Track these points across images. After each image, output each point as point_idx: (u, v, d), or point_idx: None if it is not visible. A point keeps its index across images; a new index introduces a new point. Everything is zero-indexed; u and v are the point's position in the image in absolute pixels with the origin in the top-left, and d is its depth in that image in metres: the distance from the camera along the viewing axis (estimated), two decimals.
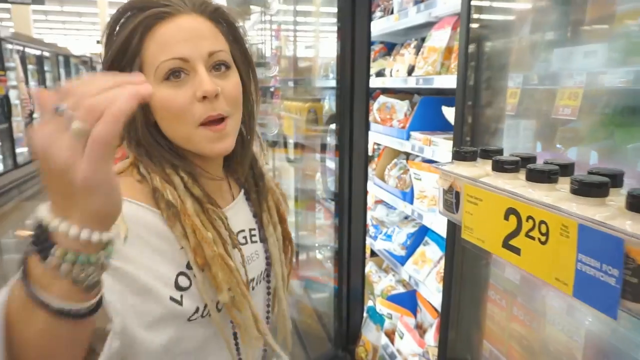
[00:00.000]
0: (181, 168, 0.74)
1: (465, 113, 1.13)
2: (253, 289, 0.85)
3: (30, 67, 8.75)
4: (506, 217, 0.79)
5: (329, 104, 3.26)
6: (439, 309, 2.11)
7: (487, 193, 0.84)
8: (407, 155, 2.79)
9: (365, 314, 2.44)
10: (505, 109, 1.29)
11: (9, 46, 7.54)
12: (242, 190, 0.90)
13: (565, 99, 1.26)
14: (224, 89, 0.72)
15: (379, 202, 2.94)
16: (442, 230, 2.04)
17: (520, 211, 0.75)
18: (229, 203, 0.85)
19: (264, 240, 0.90)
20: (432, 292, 2.15)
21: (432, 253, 2.28)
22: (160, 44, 0.69)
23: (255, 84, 0.83)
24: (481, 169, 0.96)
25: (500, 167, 0.82)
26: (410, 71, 2.26)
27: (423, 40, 2.28)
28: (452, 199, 0.97)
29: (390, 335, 2.36)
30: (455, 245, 1.28)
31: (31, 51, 8.63)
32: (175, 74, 0.69)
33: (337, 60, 2.16)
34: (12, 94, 7.68)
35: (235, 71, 0.77)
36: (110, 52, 0.70)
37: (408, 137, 2.33)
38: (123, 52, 0.70)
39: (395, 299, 2.44)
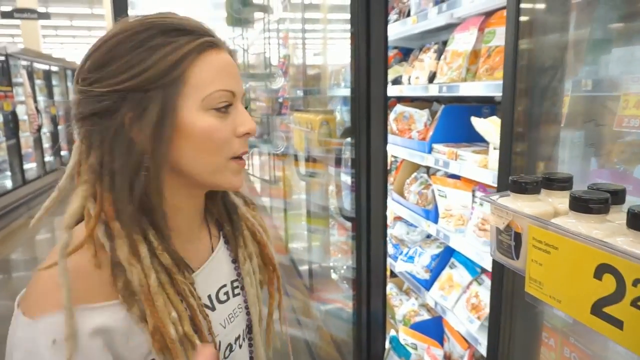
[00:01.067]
0: (151, 232, 0.65)
1: (514, 127, 0.93)
2: (232, 351, 0.79)
3: (38, 82, 8.73)
4: (598, 276, 0.59)
5: (340, 115, 3.07)
6: (468, 338, 1.91)
7: (565, 240, 0.64)
8: (428, 169, 2.59)
9: (388, 345, 2.23)
10: (555, 120, 1.09)
11: (17, 62, 7.51)
12: (221, 236, 0.84)
13: (631, 108, 1.06)
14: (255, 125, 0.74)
15: (398, 219, 2.73)
16: (472, 254, 1.84)
17: (623, 271, 0.55)
18: (207, 256, 0.79)
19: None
20: (461, 321, 1.94)
21: (459, 277, 2.07)
22: (213, 73, 0.67)
23: None
24: (546, 203, 0.76)
25: (582, 206, 0.62)
26: (432, 78, 2.07)
27: (444, 43, 2.08)
28: (510, 242, 0.77)
29: None
30: (503, 291, 1.07)
31: (39, 66, 8.61)
32: (223, 106, 0.68)
33: (351, 67, 1.98)
34: (20, 109, 7.65)
35: None
36: (141, 67, 0.63)
37: (430, 150, 2.13)
38: (167, 70, 0.64)
39: (420, 327, 2.23)
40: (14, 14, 7.41)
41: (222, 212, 0.84)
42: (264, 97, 3.09)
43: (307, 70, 3.15)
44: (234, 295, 0.81)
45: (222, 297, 0.79)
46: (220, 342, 0.75)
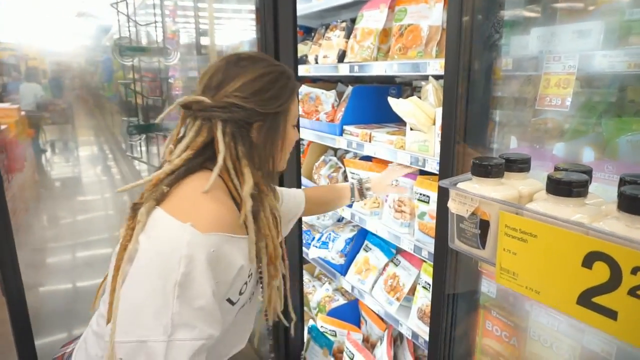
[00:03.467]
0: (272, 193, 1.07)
1: (457, 107, 0.88)
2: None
3: None
4: (587, 264, 0.55)
5: None
6: (387, 319, 1.92)
7: (545, 227, 0.59)
8: (336, 151, 2.55)
9: (307, 335, 2.16)
10: (483, 100, 1.07)
11: None
12: None
13: (552, 87, 1.08)
14: None
15: None
16: (389, 236, 1.83)
17: (619, 259, 0.51)
18: None
19: None
20: (380, 303, 1.94)
21: (375, 259, 2.06)
22: (297, 103, 1.07)
23: None
24: (510, 186, 0.71)
25: (563, 189, 0.58)
26: (342, 57, 1.99)
27: (353, 21, 2.01)
28: (474, 230, 0.71)
29: (336, 354, 2.12)
30: (446, 280, 1.04)
31: None
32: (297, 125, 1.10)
33: (257, 47, 1.81)
34: None
35: None
36: (282, 99, 1.00)
37: (341, 132, 2.07)
38: (288, 103, 1.02)
39: (337, 313, 2.19)
40: None
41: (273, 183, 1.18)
42: (150, 76, 2.76)
43: (201, 49, 2.88)
44: None
45: None
46: None
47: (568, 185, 0.58)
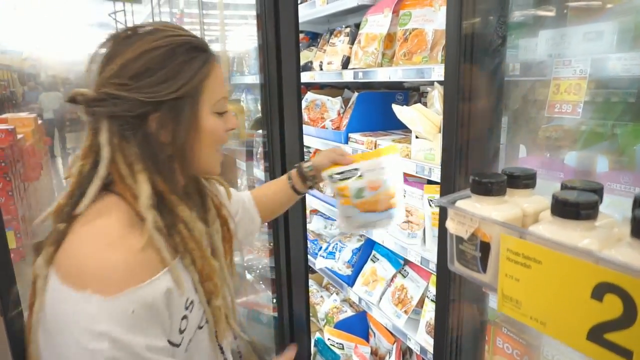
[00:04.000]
0: (186, 201, 0.82)
1: (459, 116, 0.82)
2: None
3: None
4: (597, 296, 0.49)
5: (246, 104, 2.84)
6: (395, 333, 1.86)
7: (551, 253, 0.53)
8: None
9: (313, 348, 2.11)
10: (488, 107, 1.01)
11: None
12: None
13: (563, 93, 1.02)
14: None
15: (315, 212, 2.61)
16: (396, 247, 1.77)
17: (633, 292, 0.46)
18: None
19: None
20: (387, 316, 1.87)
21: (383, 270, 2.00)
22: (218, 82, 0.82)
23: None
24: (513, 205, 0.66)
25: (570, 211, 0.52)
26: (346, 63, 1.95)
27: (357, 27, 1.97)
28: (475, 252, 0.66)
29: None
30: (448, 300, 0.98)
31: None
32: (223, 109, 0.84)
33: (259, 52, 1.78)
34: None
35: None
36: (181, 80, 0.76)
37: (347, 140, 2.02)
38: (197, 83, 0.78)
39: (344, 325, 2.14)
40: None
41: (195, 197, 0.95)
42: None
43: None
44: None
45: None
46: None
47: (575, 207, 0.52)
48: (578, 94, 0.98)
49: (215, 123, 0.81)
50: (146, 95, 0.73)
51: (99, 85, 0.74)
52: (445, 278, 0.97)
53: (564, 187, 0.62)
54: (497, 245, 0.61)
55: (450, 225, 0.68)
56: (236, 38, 2.82)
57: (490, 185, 0.63)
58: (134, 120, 0.73)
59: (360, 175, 1.10)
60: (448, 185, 0.89)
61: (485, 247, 0.64)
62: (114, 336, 0.64)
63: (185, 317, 0.77)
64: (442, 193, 0.94)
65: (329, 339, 2.10)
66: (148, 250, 0.70)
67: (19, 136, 2.44)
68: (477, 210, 0.64)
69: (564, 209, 0.53)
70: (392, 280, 1.95)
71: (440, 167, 1.44)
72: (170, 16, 2.83)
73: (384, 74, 1.67)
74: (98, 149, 0.74)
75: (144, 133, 0.75)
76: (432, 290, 1.70)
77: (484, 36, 0.82)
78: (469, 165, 0.86)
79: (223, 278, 0.89)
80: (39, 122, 2.93)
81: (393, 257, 2.00)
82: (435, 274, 1.58)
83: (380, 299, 1.95)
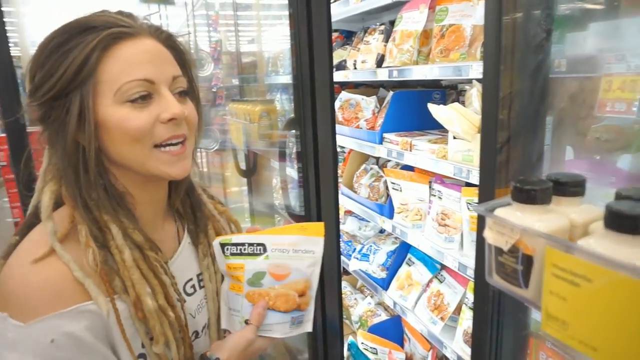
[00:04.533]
0: (121, 213, 0.70)
1: (499, 117, 0.77)
2: (198, 337, 0.83)
3: None
4: None
5: (281, 104, 2.84)
6: (431, 339, 1.79)
7: (604, 271, 0.48)
8: (377, 159, 2.44)
9: (346, 352, 2.08)
10: (531, 107, 0.95)
11: None
12: (186, 232, 0.86)
13: (615, 90, 0.94)
14: (185, 112, 0.71)
15: (349, 213, 2.58)
16: (431, 251, 1.71)
17: None
18: (174, 251, 0.82)
19: None
20: (422, 322, 1.82)
21: (418, 275, 1.94)
22: (122, 64, 0.66)
23: (200, 112, 0.79)
24: (560, 214, 0.60)
25: (627, 225, 0.47)
26: (380, 61, 1.90)
27: (392, 24, 1.92)
28: (516, 266, 0.61)
29: None
30: (485, 313, 0.92)
31: None
32: (139, 97, 0.67)
33: (292, 52, 1.76)
34: None
35: (190, 98, 0.77)
36: (58, 74, 0.65)
37: (381, 140, 1.97)
38: (77, 72, 0.65)
39: (379, 330, 2.09)
40: None
41: (187, 209, 0.87)
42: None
43: (242, 56, 2.88)
44: (200, 288, 0.85)
45: (189, 290, 0.83)
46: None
47: (633, 220, 0.46)
48: (633, 91, 0.90)
49: (124, 115, 0.66)
50: (33, 98, 0.66)
51: None
52: (484, 288, 0.92)
53: (618, 196, 0.56)
54: (541, 259, 0.56)
55: (488, 235, 0.63)
56: (271, 38, 2.82)
57: (534, 193, 0.58)
58: (48, 127, 0.68)
59: (266, 255, 0.77)
60: (487, 191, 0.83)
61: (527, 261, 0.59)
62: None
63: (143, 355, 0.69)
64: (481, 199, 0.89)
65: (362, 343, 2.06)
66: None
67: None
68: (518, 220, 0.59)
69: (619, 221, 0.47)
70: (428, 285, 1.89)
71: (479, 169, 1.38)
72: (207, 18, 2.86)
73: (419, 72, 1.62)
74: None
75: (55, 139, 0.68)
76: (470, 297, 1.63)
77: (526, 31, 0.77)
78: (509, 169, 0.81)
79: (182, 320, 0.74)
80: None
81: (429, 261, 1.93)
82: (474, 281, 1.51)
83: (416, 304, 1.90)
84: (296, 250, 0.77)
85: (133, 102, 0.66)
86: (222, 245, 0.79)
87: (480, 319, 0.93)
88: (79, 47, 0.64)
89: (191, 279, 0.84)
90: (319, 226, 0.79)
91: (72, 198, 0.67)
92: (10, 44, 1.25)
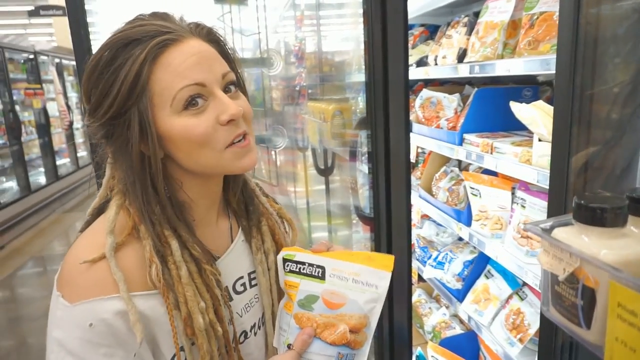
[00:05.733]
0: (181, 226, 0.70)
1: (574, 116, 0.64)
2: (247, 337, 0.82)
3: (69, 78, 8.81)
4: None
5: (363, 103, 2.78)
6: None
7: None
8: (459, 162, 2.29)
9: None
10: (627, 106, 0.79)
11: (45, 58, 7.57)
12: (240, 230, 0.86)
13: None
14: (242, 110, 0.70)
15: (426, 217, 2.45)
16: (511, 265, 1.54)
17: None
18: (226, 248, 0.82)
19: None
20: (498, 341, 1.65)
21: (497, 289, 1.78)
22: (173, 72, 0.65)
23: (248, 101, 0.78)
24: (637, 241, 0.48)
25: None
26: (462, 56, 1.76)
27: (476, 15, 1.77)
28: (575, 299, 0.50)
29: None
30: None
31: (69, 63, 8.67)
32: (193, 102, 0.66)
33: (365, 51, 1.70)
34: (52, 106, 7.73)
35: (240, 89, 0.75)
36: (112, 93, 0.65)
37: (461, 142, 1.83)
38: (131, 89, 0.64)
39: (451, 344, 1.95)
40: (39, 11, 7.44)
41: (240, 204, 0.86)
42: (273, 85, 2.85)
43: (322, 55, 2.88)
44: (251, 286, 0.84)
45: (239, 289, 0.82)
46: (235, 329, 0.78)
47: None
48: None
49: (185, 124, 0.66)
50: (92, 119, 0.67)
51: None
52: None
53: None
54: (606, 295, 0.45)
55: (543, 259, 0.53)
56: (350, 36, 2.79)
57: (601, 213, 0.47)
58: (106, 143, 0.70)
59: (320, 277, 0.72)
60: (557, 204, 0.71)
61: (589, 295, 0.48)
62: (69, 348, 0.62)
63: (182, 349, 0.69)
64: (550, 214, 0.76)
65: (432, 356, 1.94)
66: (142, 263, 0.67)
67: None
68: (580, 245, 0.48)
69: None
70: (507, 301, 1.72)
71: (549, 177, 1.21)
72: (293, 19, 2.90)
73: (502, 67, 1.46)
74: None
75: (119, 155, 0.69)
76: None
77: (613, 16, 0.63)
78: (588, 178, 0.68)
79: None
80: None
81: (510, 275, 1.75)
82: (539, 312, 1.33)
83: (493, 320, 1.73)
84: (356, 281, 0.70)
85: (190, 109, 0.66)
86: (284, 261, 0.75)
87: (545, 350, 0.80)
88: (128, 63, 0.64)
89: (242, 277, 0.83)
90: (388, 259, 0.71)
91: (139, 213, 0.68)
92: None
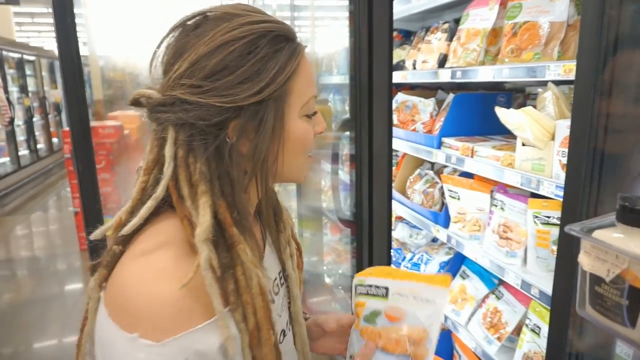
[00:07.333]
0: (247, 234, 0.64)
1: (593, 119, 0.67)
2: (285, 335, 0.81)
3: (10, 71, 8.24)
4: None
5: (334, 105, 2.79)
6: (483, 358, 1.67)
7: None
8: (432, 165, 2.34)
9: None
10: None
11: None
12: (267, 232, 0.84)
13: None
14: None
15: (399, 219, 2.48)
16: (491, 265, 1.59)
17: None
18: (262, 251, 0.79)
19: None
20: (476, 340, 1.70)
21: (474, 289, 1.83)
22: (307, 79, 0.68)
23: None
24: None
25: None
26: (443, 62, 1.80)
27: (456, 22, 1.81)
28: (619, 299, 0.52)
29: None
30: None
31: (10, 55, 8.11)
32: (314, 110, 0.71)
33: (350, 51, 1.70)
34: None
35: None
36: (264, 79, 0.62)
37: (439, 145, 1.87)
38: (281, 82, 0.63)
39: None
40: None
41: (270, 211, 0.83)
42: None
43: None
44: (281, 285, 0.83)
45: (276, 290, 0.80)
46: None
47: None
48: None
49: (304, 128, 0.68)
50: (224, 99, 0.60)
51: (166, 87, 0.62)
52: (561, 317, 0.81)
53: None
54: None
55: (584, 260, 0.54)
56: (325, 38, 2.78)
57: None
58: (208, 129, 0.61)
59: (384, 296, 0.78)
60: (572, 207, 0.73)
61: (636, 295, 0.49)
62: None
63: None
64: (564, 216, 0.78)
65: None
66: (195, 290, 0.58)
67: (126, 132, 2.60)
68: (625, 245, 0.50)
69: None
70: (483, 300, 1.77)
71: (551, 180, 1.26)
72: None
73: (486, 73, 1.51)
74: (164, 163, 0.62)
75: (218, 145, 0.62)
76: (533, 318, 1.50)
77: (634, 20, 0.66)
78: (603, 182, 0.70)
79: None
80: (143, 119, 3.17)
81: (486, 275, 1.81)
82: (538, 301, 1.39)
83: (469, 320, 1.78)
84: (416, 298, 0.75)
85: (309, 117, 0.70)
86: (356, 286, 0.81)
87: (555, 351, 0.83)
88: (282, 56, 0.63)
89: (276, 278, 0.82)
90: (446, 278, 0.76)
91: (232, 214, 0.62)
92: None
